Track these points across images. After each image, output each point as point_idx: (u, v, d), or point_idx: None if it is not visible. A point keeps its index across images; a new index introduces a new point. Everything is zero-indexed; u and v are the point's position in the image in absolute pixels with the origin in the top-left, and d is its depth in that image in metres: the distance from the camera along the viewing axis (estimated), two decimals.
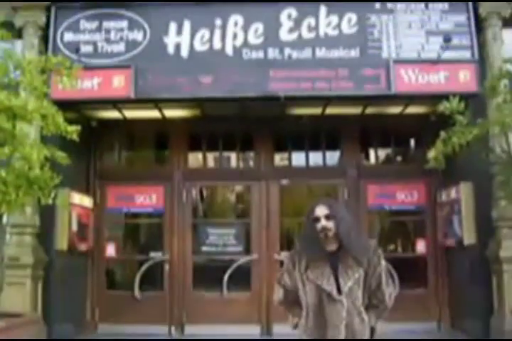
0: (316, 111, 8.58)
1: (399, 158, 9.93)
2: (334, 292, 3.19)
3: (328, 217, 3.30)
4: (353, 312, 3.20)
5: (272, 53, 7.85)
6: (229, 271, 8.75)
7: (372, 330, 3.30)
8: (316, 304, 3.25)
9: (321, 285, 3.22)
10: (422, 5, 7.95)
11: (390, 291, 3.34)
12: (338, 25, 7.91)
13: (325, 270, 3.25)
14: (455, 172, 8.01)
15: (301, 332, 3.33)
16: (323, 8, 7.98)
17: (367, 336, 3.25)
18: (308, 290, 3.28)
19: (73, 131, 5.90)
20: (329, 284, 3.22)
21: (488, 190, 7.51)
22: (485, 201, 7.60)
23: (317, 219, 3.31)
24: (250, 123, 8.98)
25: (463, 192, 7.81)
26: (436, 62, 7.64)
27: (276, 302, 3.58)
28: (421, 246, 8.96)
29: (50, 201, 5.91)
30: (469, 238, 7.70)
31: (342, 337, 3.15)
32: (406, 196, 9.10)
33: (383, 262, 3.33)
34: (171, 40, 7.95)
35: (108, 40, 7.96)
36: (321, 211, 3.33)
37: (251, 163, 9.69)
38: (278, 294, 3.53)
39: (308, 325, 3.29)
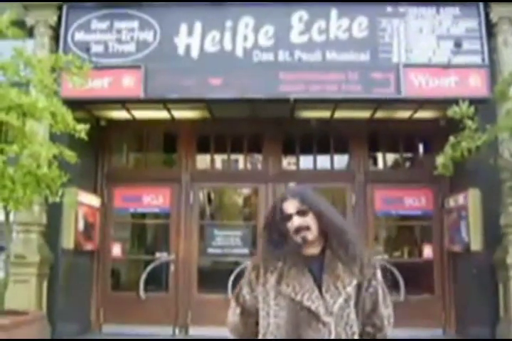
0: (325, 114, 8.58)
1: (407, 163, 9.91)
2: (322, 311, 2.26)
3: (302, 213, 2.41)
4: None
5: (282, 55, 7.85)
6: (234, 273, 8.73)
7: None
8: (289, 329, 2.29)
9: (301, 301, 2.28)
10: (434, 9, 7.94)
11: (389, 313, 2.45)
12: (349, 29, 7.90)
13: (305, 280, 2.33)
14: (463, 178, 7.97)
15: None
16: (334, 11, 7.97)
17: None
18: (277, 310, 2.33)
19: (82, 129, 5.93)
20: (313, 300, 2.29)
21: (496, 196, 7.48)
22: (493, 207, 7.56)
23: (288, 218, 2.42)
24: (259, 125, 8.99)
25: (470, 198, 7.78)
26: (446, 66, 7.62)
27: (228, 328, 2.62)
28: (428, 252, 8.91)
29: (57, 199, 5.93)
30: (476, 244, 7.67)
31: None
32: (414, 201, 9.06)
33: (379, 275, 2.45)
34: (181, 40, 7.97)
35: (119, 40, 7.98)
36: (291, 206, 2.43)
37: (259, 166, 9.67)
38: (233, 316, 2.58)
39: None
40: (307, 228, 2.39)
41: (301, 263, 2.38)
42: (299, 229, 2.39)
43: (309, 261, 2.40)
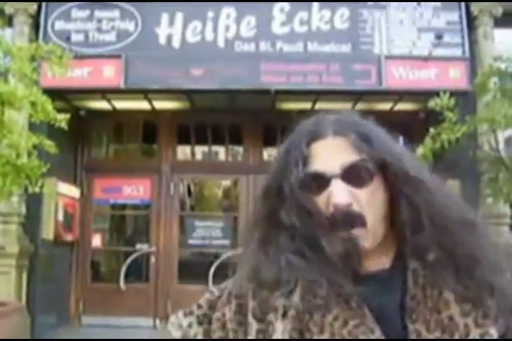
0: (306, 105, 8.57)
1: None
2: None
3: (360, 174, 1.08)
4: None
5: (264, 46, 7.82)
6: (215, 265, 8.74)
7: None
8: None
9: None
10: (415, 2, 7.95)
11: None
12: (331, 20, 7.89)
13: (363, 332, 0.97)
14: (442, 170, 8.00)
15: None
16: (315, 3, 7.95)
17: None
18: None
19: (62, 119, 5.86)
20: None
21: (475, 188, 7.53)
22: (472, 198, 7.61)
23: (320, 184, 1.07)
24: (240, 116, 8.97)
25: (450, 190, 7.81)
26: (427, 58, 7.66)
27: None
28: None
29: (37, 190, 5.87)
30: None
31: None
32: None
33: None
34: (162, 30, 7.90)
35: (99, 30, 7.89)
36: (334, 155, 1.10)
37: (239, 157, 9.67)
38: None
39: None
40: (360, 218, 1.04)
41: (349, 293, 1.01)
42: (342, 218, 1.03)
43: (369, 286, 1.02)
